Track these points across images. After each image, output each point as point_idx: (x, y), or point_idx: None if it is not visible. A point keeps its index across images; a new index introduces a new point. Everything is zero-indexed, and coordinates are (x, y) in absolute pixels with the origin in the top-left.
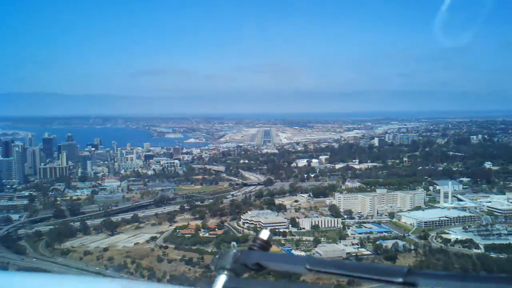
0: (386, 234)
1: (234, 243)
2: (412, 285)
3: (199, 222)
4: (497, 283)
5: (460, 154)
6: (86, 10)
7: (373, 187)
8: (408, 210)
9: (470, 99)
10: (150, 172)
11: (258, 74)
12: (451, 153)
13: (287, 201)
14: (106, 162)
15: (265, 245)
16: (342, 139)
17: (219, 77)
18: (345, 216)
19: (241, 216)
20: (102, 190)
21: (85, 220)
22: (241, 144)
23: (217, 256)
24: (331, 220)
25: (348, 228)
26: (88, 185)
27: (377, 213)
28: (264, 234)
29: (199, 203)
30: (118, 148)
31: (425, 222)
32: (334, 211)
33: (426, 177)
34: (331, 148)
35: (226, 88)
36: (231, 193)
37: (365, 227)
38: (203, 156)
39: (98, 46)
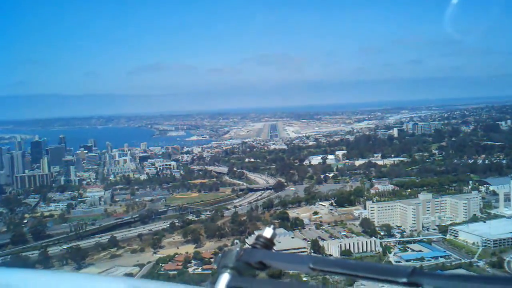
0: (443, 259)
1: (238, 241)
2: (416, 285)
3: (191, 248)
4: (502, 284)
5: (497, 143)
6: (84, 7)
7: (409, 190)
8: (464, 222)
9: (481, 85)
10: (143, 177)
11: (263, 66)
12: (483, 142)
13: (303, 212)
14: (95, 167)
15: (268, 244)
16: (355, 130)
17: (224, 70)
18: (382, 233)
19: (246, 240)
20: (81, 203)
21: (49, 247)
22: (247, 140)
23: (220, 255)
24: (366, 242)
25: (390, 252)
26: (67, 196)
27: (423, 227)
28: (268, 232)
29: (194, 217)
30: (114, 150)
31: (494, 241)
32: (367, 227)
33: (469, 173)
34: (346, 141)
35: (231, 82)
36: (234, 201)
37: (412, 249)
38: (204, 156)
39: (97, 43)
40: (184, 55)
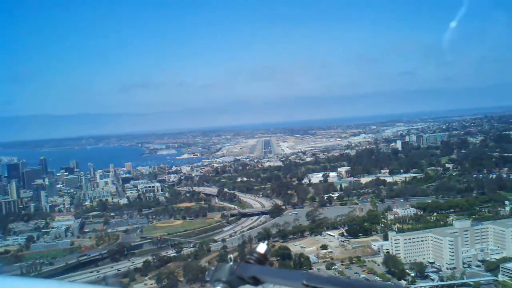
0: None
1: (231, 255)
2: None
3: None
4: None
5: None
6: (73, 26)
7: (434, 214)
8: None
9: (474, 95)
10: (122, 201)
11: (255, 81)
12: (498, 154)
13: (308, 246)
14: (72, 191)
15: (262, 259)
16: (353, 144)
17: (216, 86)
18: (413, 274)
19: None
20: (45, 235)
21: None
22: (240, 157)
23: (213, 268)
24: None
25: None
26: (31, 227)
27: (463, 264)
28: (261, 248)
29: (173, 252)
30: (99, 170)
31: None
32: (393, 265)
33: (498, 190)
34: (347, 156)
35: (224, 98)
36: (224, 230)
37: None
38: (193, 175)
39: (88, 61)
40: (175, 71)
